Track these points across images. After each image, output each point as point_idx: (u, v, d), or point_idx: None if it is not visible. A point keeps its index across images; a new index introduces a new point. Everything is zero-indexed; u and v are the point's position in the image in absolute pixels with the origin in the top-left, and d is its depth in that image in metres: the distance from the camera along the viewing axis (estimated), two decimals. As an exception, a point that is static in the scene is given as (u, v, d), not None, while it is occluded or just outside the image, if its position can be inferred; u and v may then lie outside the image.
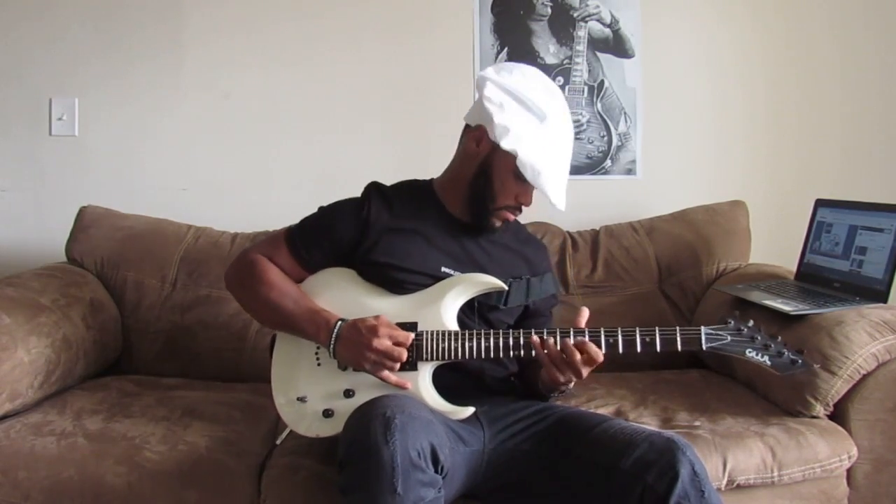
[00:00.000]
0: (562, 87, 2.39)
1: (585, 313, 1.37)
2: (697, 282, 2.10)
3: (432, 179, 1.58)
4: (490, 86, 1.43)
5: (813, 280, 1.87)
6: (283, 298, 1.44)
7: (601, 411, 1.62)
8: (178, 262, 2.10)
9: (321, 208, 1.55)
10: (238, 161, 2.38)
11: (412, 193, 1.55)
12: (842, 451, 1.51)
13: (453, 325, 1.40)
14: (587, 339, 1.32)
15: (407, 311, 1.41)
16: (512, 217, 1.49)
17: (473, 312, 1.46)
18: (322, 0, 2.36)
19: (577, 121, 2.40)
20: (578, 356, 1.31)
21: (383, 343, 1.32)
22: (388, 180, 1.59)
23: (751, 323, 1.34)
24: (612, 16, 2.39)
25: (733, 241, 2.14)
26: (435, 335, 1.37)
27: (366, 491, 1.13)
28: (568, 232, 2.22)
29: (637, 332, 1.33)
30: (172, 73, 2.36)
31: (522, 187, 1.45)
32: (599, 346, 1.32)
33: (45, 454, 1.47)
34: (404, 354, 1.33)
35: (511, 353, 1.36)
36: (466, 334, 1.37)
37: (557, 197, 1.43)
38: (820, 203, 1.96)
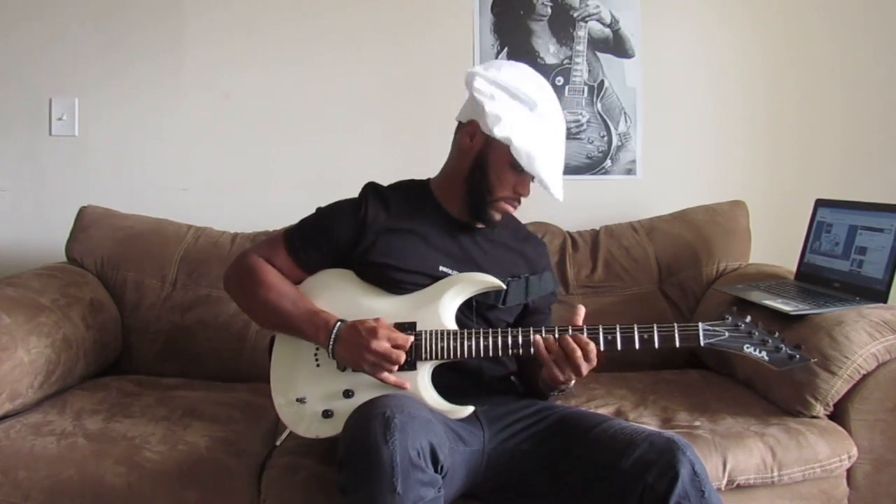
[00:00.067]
0: (562, 87, 2.39)
1: (582, 311, 1.37)
2: (697, 282, 2.10)
3: (429, 179, 1.59)
4: (479, 79, 1.44)
5: (813, 280, 1.87)
6: (281, 300, 1.44)
7: (601, 411, 1.62)
8: (178, 262, 2.10)
9: (319, 209, 1.55)
10: (238, 161, 2.38)
11: (409, 193, 1.55)
12: (842, 451, 1.51)
13: (452, 325, 1.40)
14: (585, 335, 1.32)
15: (405, 311, 1.41)
16: (511, 209, 1.49)
17: (472, 311, 1.47)
18: (322, 0, 2.36)
19: (577, 121, 2.40)
20: (579, 354, 1.31)
21: (382, 345, 1.32)
22: (388, 180, 1.59)
23: (748, 319, 1.35)
24: (612, 16, 2.39)
25: (733, 241, 2.14)
26: (433, 335, 1.37)
27: (365, 491, 1.13)
28: (568, 232, 2.22)
29: (635, 328, 1.34)
30: (172, 73, 2.36)
31: (519, 177, 1.45)
32: (598, 344, 1.33)
33: (45, 454, 1.47)
34: (402, 357, 1.33)
35: (510, 351, 1.36)
36: (465, 333, 1.37)
37: (554, 185, 1.43)
38: (820, 203, 1.96)
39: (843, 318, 1.59)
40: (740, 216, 2.18)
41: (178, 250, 2.11)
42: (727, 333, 1.34)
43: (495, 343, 1.36)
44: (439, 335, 1.37)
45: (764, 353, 1.33)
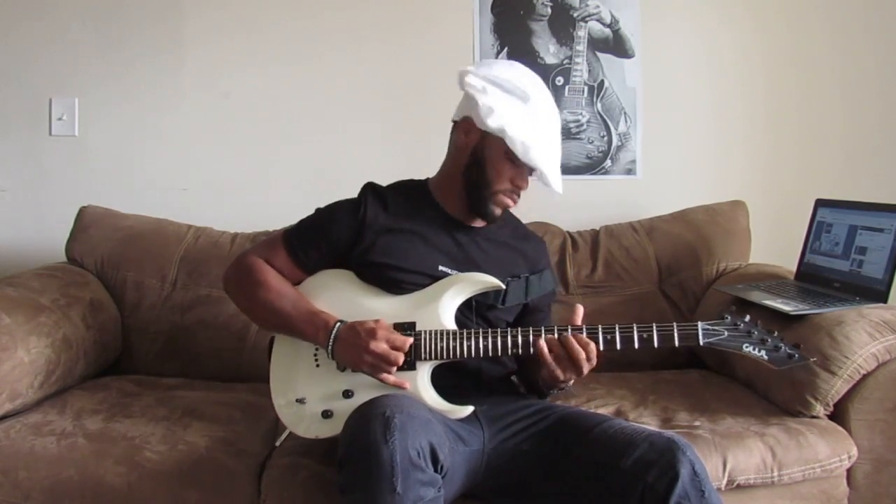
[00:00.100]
0: (562, 87, 2.39)
1: (580, 311, 1.37)
2: (697, 282, 2.10)
3: (427, 179, 1.59)
4: (471, 76, 1.45)
5: (813, 280, 1.87)
6: (280, 300, 1.45)
7: (601, 411, 1.62)
8: (178, 262, 2.10)
9: (318, 210, 1.55)
10: (238, 161, 2.38)
11: (408, 193, 1.55)
12: (842, 451, 1.51)
13: (451, 325, 1.40)
14: (584, 335, 1.33)
15: (405, 311, 1.41)
16: (510, 202, 1.49)
17: (472, 311, 1.47)
18: (322, 0, 2.36)
19: (577, 121, 2.40)
20: (583, 355, 1.31)
21: (380, 346, 1.32)
22: (388, 180, 1.59)
23: (747, 318, 1.35)
24: (612, 16, 2.39)
25: (733, 241, 2.14)
26: (433, 335, 1.37)
27: (365, 490, 1.13)
28: (568, 232, 2.22)
29: (634, 328, 1.34)
30: (172, 73, 2.36)
31: (516, 170, 1.45)
32: (597, 343, 1.33)
33: (45, 454, 1.47)
34: (401, 359, 1.33)
35: (509, 351, 1.36)
36: (464, 333, 1.37)
37: (552, 175, 1.44)
38: (820, 203, 1.96)
39: (843, 318, 1.59)
40: (740, 216, 2.18)
41: (178, 250, 2.11)
42: (726, 333, 1.34)
43: (495, 343, 1.36)
44: (439, 335, 1.37)
45: (763, 353, 1.33)
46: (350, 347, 1.35)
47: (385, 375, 1.34)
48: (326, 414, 1.39)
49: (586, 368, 1.33)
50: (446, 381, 1.38)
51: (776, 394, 1.66)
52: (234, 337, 2.02)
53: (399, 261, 1.45)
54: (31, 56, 2.35)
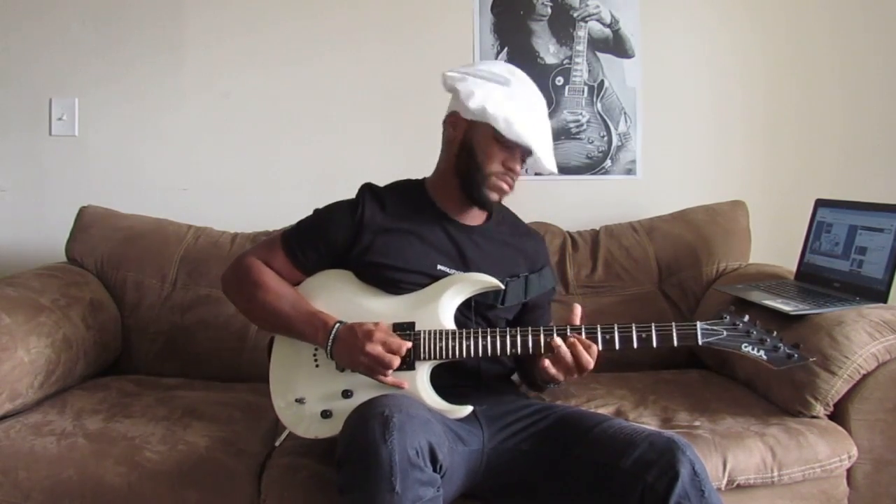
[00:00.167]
0: (562, 87, 2.39)
1: (578, 310, 1.38)
2: (697, 282, 2.10)
3: (425, 178, 1.59)
4: (451, 72, 1.49)
5: (813, 280, 1.87)
6: (280, 301, 1.45)
7: (601, 411, 1.62)
8: (178, 262, 2.10)
9: (316, 211, 1.56)
10: (238, 161, 2.38)
11: (405, 193, 1.55)
12: (842, 451, 1.51)
13: (450, 325, 1.41)
14: (584, 335, 1.33)
15: (404, 311, 1.42)
16: (505, 186, 1.49)
17: (471, 311, 1.47)
18: (322, 0, 2.36)
19: (577, 121, 2.40)
20: (586, 358, 1.32)
21: (376, 349, 1.32)
22: (388, 180, 1.59)
23: (746, 318, 1.35)
24: (612, 16, 2.39)
25: (733, 241, 2.14)
26: (432, 335, 1.37)
27: (364, 490, 1.13)
28: (568, 232, 2.22)
29: (633, 327, 1.34)
30: (173, 73, 2.36)
31: (507, 151, 1.46)
32: (596, 343, 1.33)
33: (45, 454, 1.47)
34: (396, 362, 1.33)
35: (508, 351, 1.36)
36: (463, 333, 1.37)
37: (541, 150, 1.45)
38: (820, 203, 1.96)
39: (843, 318, 1.59)
40: (740, 216, 2.18)
41: (178, 250, 2.11)
42: (725, 332, 1.34)
43: (494, 343, 1.37)
44: (438, 335, 1.37)
45: (762, 352, 1.33)
46: (347, 348, 1.35)
47: (382, 376, 1.34)
48: (326, 414, 1.39)
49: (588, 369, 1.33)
50: (445, 381, 1.38)
51: (776, 394, 1.66)
52: (234, 337, 2.02)
53: (397, 261, 1.45)
54: (31, 56, 2.35)
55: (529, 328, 1.37)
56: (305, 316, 1.41)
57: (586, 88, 2.40)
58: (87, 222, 2.14)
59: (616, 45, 2.40)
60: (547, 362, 1.34)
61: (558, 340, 1.33)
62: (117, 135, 2.37)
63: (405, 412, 1.18)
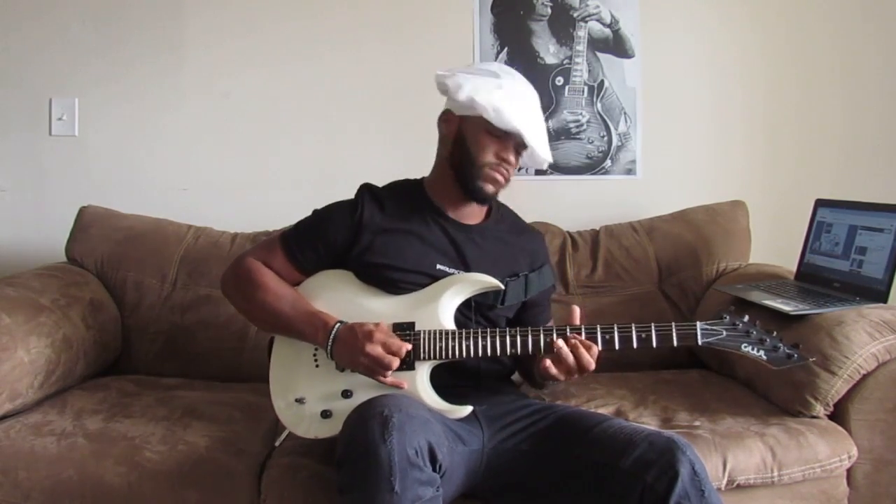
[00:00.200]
0: (562, 87, 2.39)
1: (577, 311, 1.38)
2: (697, 282, 2.10)
3: (423, 178, 1.59)
4: (441, 71, 1.52)
5: (813, 280, 1.87)
6: (279, 302, 1.45)
7: (601, 411, 1.62)
8: (178, 262, 2.10)
9: (315, 211, 1.56)
10: (238, 161, 2.38)
11: (404, 193, 1.55)
12: (842, 451, 1.51)
13: (450, 325, 1.41)
14: (584, 336, 1.34)
15: (404, 311, 1.42)
16: (499, 177, 1.48)
17: (471, 310, 1.47)
18: (322, 0, 2.36)
19: (577, 121, 2.40)
20: (587, 359, 1.32)
21: (375, 350, 1.32)
22: (388, 180, 1.60)
23: (746, 318, 1.35)
24: (612, 16, 2.39)
25: (733, 241, 2.14)
26: (432, 335, 1.37)
27: (363, 490, 1.13)
28: (568, 232, 2.22)
29: (633, 327, 1.34)
30: (173, 73, 2.36)
31: (499, 142, 1.47)
32: (595, 343, 1.34)
33: (45, 454, 1.47)
34: (395, 363, 1.33)
35: (508, 351, 1.36)
36: (463, 333, 1.37)
37: (533, 139, 1.45)
38: (820, 203, 1.96)
39: (843, 318, 1.59)
40: (740, 216, 2.18)
41: (178, 250, 2.11)
42: (725, 332, 1.34)
43: (493, 343, 1.37)
44: (438, 335, 1.37)
45: (762, 352, 1.33)
46: (347, 349, 1.35)
47: (382, 377, 1.34)
48: (326, 414, 1.39)
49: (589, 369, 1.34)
50: (445, 381, 1.38)
51: (776, 394, 1.66)
52: (234, 337, 2.02)
53: (397, 261, 1.45)
54: (31, 56, 2.35)
55: (529, 328, 1.37)
56: (305, 316, 1.41)
57: (586, 88, 2.40)
58: (86, 222, 2.14)
59: (616, 45, 2.40)
60: (548, 362, 1.34)
61: (560, 342, 1.33)
62: (117, 135, 2.37)
63: (405, 412, 1.18)
